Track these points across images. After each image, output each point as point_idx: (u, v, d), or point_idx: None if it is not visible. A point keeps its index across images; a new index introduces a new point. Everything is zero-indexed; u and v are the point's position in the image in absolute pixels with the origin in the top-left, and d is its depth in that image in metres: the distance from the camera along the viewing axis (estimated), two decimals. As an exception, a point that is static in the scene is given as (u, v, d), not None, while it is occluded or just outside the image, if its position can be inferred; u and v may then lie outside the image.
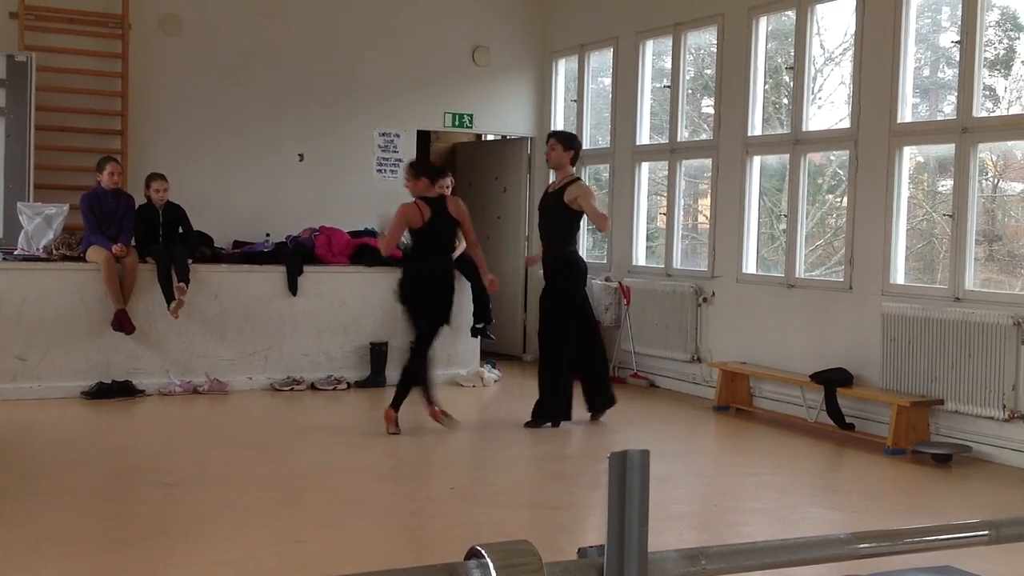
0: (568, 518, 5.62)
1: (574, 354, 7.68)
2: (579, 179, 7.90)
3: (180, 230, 8.91)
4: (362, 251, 9.68)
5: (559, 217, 7.68)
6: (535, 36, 11.67)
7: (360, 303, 9.44)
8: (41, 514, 5.18)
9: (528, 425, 7.67)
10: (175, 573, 4.38)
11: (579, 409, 7.87)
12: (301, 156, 10.74)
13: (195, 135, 10.21)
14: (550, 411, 7.67)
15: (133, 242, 8.61)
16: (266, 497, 5.72)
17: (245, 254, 9.39)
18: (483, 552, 1.58)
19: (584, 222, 7.91)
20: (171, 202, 8.86)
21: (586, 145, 11.18)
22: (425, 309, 7.24)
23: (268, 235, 9.88)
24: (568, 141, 7.79)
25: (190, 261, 8.66)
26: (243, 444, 7.08)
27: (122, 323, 8.34)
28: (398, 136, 11.20)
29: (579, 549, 1.75)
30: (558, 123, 11.65)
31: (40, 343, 8.25)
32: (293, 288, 9.16)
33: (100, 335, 8.40)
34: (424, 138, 11.97)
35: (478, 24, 11.44)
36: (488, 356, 10.29)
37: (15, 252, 8.42)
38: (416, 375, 7.28)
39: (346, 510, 5.51)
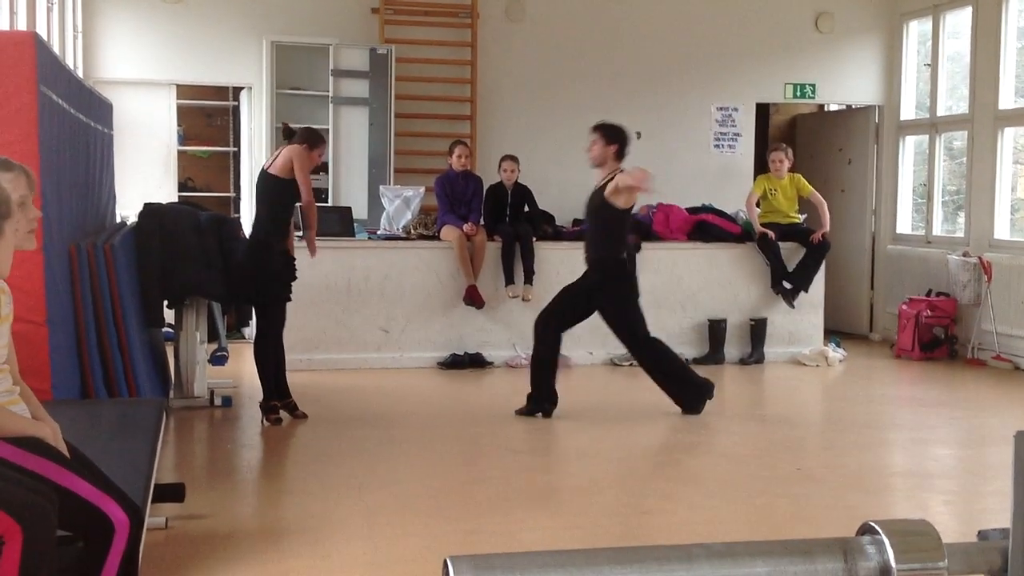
0: (935, 502, 5.30)
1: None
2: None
3: (526, 209, 9.27)
4: (700, 227, 9.61)
5: (603, 217, 6.97)
6: (883, -2, 11.04)
7: (698, 279, 9.40)
8: (407, 475, 5.59)
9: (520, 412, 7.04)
10: (530, 536, 4.57)
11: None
12: (639, 134, 10.79)
13: (537, 117, 10.55)
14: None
15: (482, 221, 9.05)
16: (608, 469, 5.84)
17: (584, 232, 9.58)
18: (878, 528, 1.52)
19: None
20: (519, 183, 9.24)
21: (939, 112, 10.46)
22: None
23: (606, 213, 10.02)
24: (611, 134, 6.94)
25: (535, 239, 8.99)
26: (583, 416, 7.21)
27: (473, 298, 8.81)
28: (736, 110, 11.00)
29: (979, 531, 1.65)
30: (909, 89, 10.96)
31: (400, 316, 8.88)
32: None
33: (453, 309, 8.92)
34: (763, 111, 11.68)
35: (821, -11, 10.99)
36: (832, 335, 9.90)
37: (378, 232, 9.10)
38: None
39: (688, 486, 5.51)
